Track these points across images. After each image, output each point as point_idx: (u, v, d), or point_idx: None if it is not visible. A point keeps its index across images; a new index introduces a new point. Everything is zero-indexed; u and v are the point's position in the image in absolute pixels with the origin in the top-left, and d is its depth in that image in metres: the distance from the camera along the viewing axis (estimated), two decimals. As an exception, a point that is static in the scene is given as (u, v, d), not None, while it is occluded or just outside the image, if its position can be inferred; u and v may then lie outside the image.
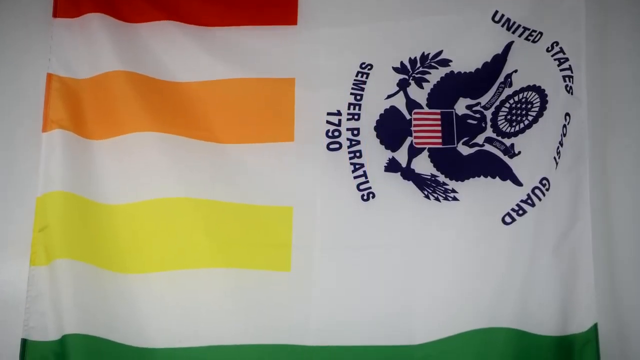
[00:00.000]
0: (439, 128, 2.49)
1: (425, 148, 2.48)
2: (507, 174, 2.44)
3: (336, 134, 2.49)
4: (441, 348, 2.37)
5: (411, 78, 2.50)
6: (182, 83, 2.52)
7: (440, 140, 2.49)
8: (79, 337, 2.31)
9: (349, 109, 2.50)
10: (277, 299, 2.42)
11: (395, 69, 2.51)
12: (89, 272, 2.37)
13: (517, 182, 2.43)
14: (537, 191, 2.41)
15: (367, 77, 2.51)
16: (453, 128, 2.48)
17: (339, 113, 2.51)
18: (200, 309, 2.40)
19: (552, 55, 2.47)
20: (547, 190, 2.41)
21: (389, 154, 2.48)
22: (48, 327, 2.33)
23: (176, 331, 2.38)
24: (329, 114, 2.50)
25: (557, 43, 2.47)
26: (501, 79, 2.47)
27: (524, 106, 2.46)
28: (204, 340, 2.38)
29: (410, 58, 2.51)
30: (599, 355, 2.33)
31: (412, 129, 2.49)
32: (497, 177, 2.44)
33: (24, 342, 2.32)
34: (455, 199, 2.45)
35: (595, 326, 2.34)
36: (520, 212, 2.41)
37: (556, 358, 2.34)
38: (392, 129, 2.49)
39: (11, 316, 2.40)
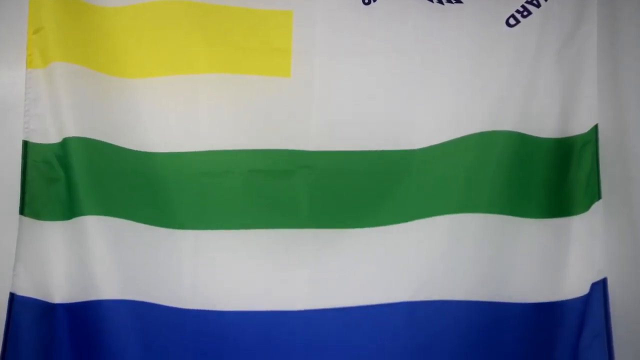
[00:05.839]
0: None
1: (429, -53, 2.40)
2: (512, -27, 2.37)
3: None
4: (441, 151, 2.37)
5: None
6: None
7: (445, -61, 2.40)
8: (79, 140, 2.30)
9: None
10: (277, 105, 2.39)
11: None
12: (86, 75, 2.32)
13: (523, -17, 2.37)
14: (543, -10, 2.35)
15: None
16: None
17: None
18: (199, 114, 2.38)
19: None
20: (554, -11, 2.35)
21: (392, -46, 2.40)
22: (48, 130, 2.30)
23: (176, 135, 2.36)
24: None
25: None
26: None
27: None
28: (204, 145, 2.37)
29: None
30: (598, 155, 2.35)
31: None
32: (503, -23, 2.38)
33: (25, 144, 2.30)
34: (459, 1, 2.38)
35: (595, 127, 2.35)
36: (525, 13, 2.36)
37: (556, 159, 2.35)
38: None
39: (10, 118, 2.39)
